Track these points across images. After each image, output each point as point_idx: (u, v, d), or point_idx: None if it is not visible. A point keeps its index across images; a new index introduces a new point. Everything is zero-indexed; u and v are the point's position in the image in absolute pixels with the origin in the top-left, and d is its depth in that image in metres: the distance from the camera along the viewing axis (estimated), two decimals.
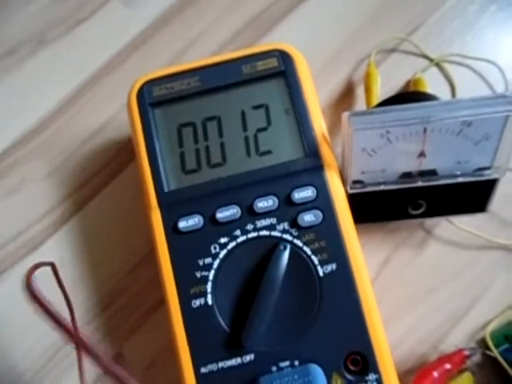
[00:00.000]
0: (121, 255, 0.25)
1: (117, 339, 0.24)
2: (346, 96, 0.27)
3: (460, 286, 0.25)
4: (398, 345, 0.24)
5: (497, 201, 0.25)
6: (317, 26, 0.28)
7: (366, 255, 0.25)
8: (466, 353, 0.22)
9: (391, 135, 0.20)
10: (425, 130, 0.20)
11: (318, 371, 0.18)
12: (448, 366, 0.22)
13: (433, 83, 0.27)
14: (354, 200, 0.22)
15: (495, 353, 0.23)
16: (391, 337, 0.24)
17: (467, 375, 0.23)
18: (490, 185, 0.21)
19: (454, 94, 0.27)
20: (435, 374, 0.21)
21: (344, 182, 0.22)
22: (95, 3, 0.29)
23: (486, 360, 0.24)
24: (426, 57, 0.27)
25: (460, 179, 0.21)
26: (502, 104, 0.19)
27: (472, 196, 0.22)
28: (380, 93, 0.26)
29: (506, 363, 0.23)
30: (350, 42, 0.28)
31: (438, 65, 0.27)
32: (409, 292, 0.25)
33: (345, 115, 0.20)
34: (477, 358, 0.24)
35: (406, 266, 0.25)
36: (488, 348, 0.23)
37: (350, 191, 0.22)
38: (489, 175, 0.21)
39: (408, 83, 0.27)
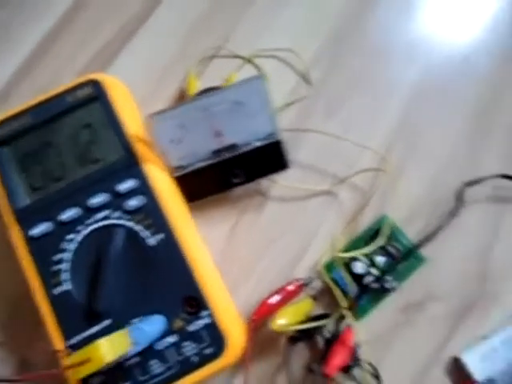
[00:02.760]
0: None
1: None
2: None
3: (296, 233, 0.30)
4: (252, 292, 0.29)
5: (316, 155, 0.31)
6: (148, 52, 0.34)
7: (216, 223, 0.30)
8: (298, 282, 0.28)
9: (186, 125, 0.26)
10: (209, 116, 0.25)
11: (159, 319, 0.23)
12: (282, 294, 0.27)
13: None
14: (184, 182, 0.28)
15: (325, 278, 0.28)
16: (245, 286, 0.29)
17: (307, 300, 0.28)
18: (278, 145, 0.27)
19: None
20: (270, 301, 0.26)
21: (168, 170, 0.27)
22: None
23: (326, 286, 0.29)
24: (239, 57, 0.33)
25: (257, 143, 0.27)
26: (255, 81, 0.25)
27: (272, 158, 0.27)
28: None
29: (338, 284, 0.28)
30: (178, 60, 0.34)
31: (250, 61, 0.33)
32: (255, 247, 0.30)
33: (146, 118, 0.25)
34: (320, 286, 0.29)
35: (251, 227, 0.30)
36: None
37: (175, 175, 0.27)
38: (274, 138, 0.27)
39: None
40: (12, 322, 0.28)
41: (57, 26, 0.35)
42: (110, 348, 0.18)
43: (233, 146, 0.27)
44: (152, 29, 0.35)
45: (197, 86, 0.32)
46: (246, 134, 0.27)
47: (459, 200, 0.29)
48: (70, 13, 0.35)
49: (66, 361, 0.18)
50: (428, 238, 0.27)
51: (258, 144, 0.27)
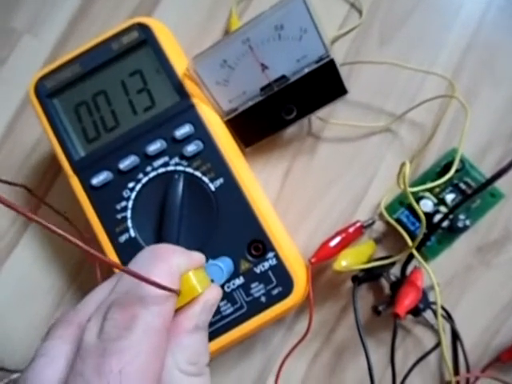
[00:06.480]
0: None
1: None
2: None
3: (354, 173, 0.29)
4: (311, 235, 0.28)
5: (369, 93, 0.29)
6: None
7: (270, 168, 0.29)
8: (359, 224, 0.26)
9: (229, 62, 0.24)
10: (251, 48, 0.24)
11: (226, 260, 0.23)
12: (343, 236, 0.25)
13: None
14: (237, 125, 0.26)
15: (388, 218, 0.26)
16: (304, 230, 0.28)
17: (369, 242, 0.27)
18: (332, 67, 0.24)
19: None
20: (331, 244, 0.25)
21: (220, 114, 0.26)
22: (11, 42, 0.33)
23: (390, 228, 0.27)
24: None
25: (306, 70, 0.24)
26: None
27: (327, 83, 0.25)
28: None
29: (403, 225, 0.27)
30: (216, 3, 0.32)
31: None
32: (312, 189, 0.29)
33: (189, 63, 0.24)
34: (382, 228, 0.28)
35: (306, 169, 0.29)
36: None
37: (226, 118, 0.26)
38: (326, 59, 0.24)
39: None
40: (83, 270, 0.30)
41: None
42: (198, 281, 0.18)
43: (282, 78, 0.25)
44: None
45: (237, 25, 0.30)
46: (293, 61, 0.24)
47: None
48: None
49: None
50: (504, 171, 0.25)
51: (308, 70, 0.24)
